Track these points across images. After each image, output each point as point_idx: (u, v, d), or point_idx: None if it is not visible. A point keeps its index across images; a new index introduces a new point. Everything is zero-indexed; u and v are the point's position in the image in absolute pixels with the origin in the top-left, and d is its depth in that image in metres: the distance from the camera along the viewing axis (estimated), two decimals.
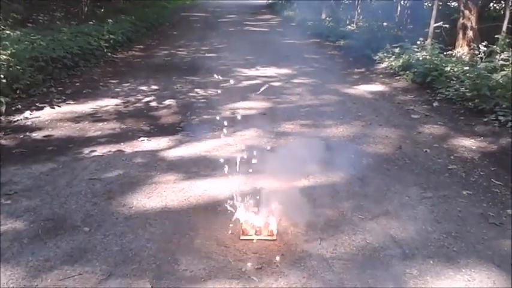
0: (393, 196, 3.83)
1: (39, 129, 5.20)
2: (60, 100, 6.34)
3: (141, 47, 11.56)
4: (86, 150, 4.60)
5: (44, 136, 4.99)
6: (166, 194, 3.74)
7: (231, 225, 3.22)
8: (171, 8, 19.80)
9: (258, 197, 3.29)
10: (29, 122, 5.40)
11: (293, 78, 8.15)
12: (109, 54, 9.91)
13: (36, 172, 4.08)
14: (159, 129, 5.34)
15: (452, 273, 2.82)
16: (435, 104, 6.77)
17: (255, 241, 3.06)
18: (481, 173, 4.35)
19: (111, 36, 10.61)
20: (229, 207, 3.29)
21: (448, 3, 13.45)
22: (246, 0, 28.78)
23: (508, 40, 7.80)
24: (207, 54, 10.40)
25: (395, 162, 4.59)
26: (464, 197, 3.85)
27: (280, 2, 21.23)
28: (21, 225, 3.21)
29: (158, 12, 16.61)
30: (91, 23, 10.99)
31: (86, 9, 12.57)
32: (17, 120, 5.44)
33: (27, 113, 5.65)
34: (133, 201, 3.59)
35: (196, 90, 7.11)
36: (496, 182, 4.16)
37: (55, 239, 3.05)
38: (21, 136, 4.95)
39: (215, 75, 7.42)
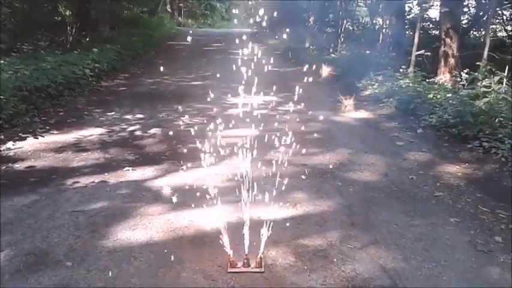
0: (381, 224, 3.81)
1: (22, 160, 5.10)
2: (43, 130, 6.25)
3: (126, 75, 11.55)
4: (69, 181, 4.51)
5: (27, 167, 4.89)
6: (151, 225, 3.67)
7: (218, 257, 3.16)
8: (156, 37, 19.93)
9: (245, 228, 3.24)
10: (11, 153, 5.30)
11: (279, 105, 8.19)
12: (94, 83, 9.85)
13: (18, 204, 3.98)
14: (144, 159, 5.28)
15: None
16: (419, 130, 6.83)
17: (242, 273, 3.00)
18: (468, 200, 4.37)
19: (96, 65, 10.59)
20: (216, 239, 3.23)
21: (429, 32, 13.79)
22: (230, 29, 29.15)
23: (489, 67, 7.97)
24: (192, 83, 10.44)
25: (382, 189, 4.58)
26: (451, 225, 3.85)
27: (265, 30, 21.54)
28: (2, 260, 3.11)
29: (144, 41, 16.67)
30: (76, 52, 10.97)
31: (71, 38, 12.58)
32: None
33: (9, 144, 5.54)
34: (118, 234, 3.51)
35: (181, 118, 7.09)
36: (483, 208, 4.18)
37: (37, 274, 2.96)
38: (3, 167, 4.84)
39: (200, 104, 7.43)
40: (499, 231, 3.77)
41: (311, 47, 16.56)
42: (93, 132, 6.27)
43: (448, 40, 9.66)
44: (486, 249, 3.47)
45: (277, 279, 2.97)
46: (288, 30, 17.07)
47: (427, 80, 8.90)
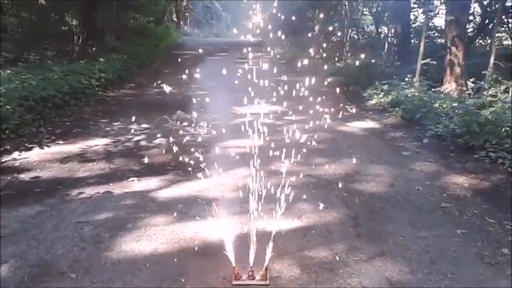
0: (387, 236, 3.78)
1: (28, 170, 5.11)
2: (49, 140, 6.27)
3: (133, 85, 11.59)
4: (74, 192, 4.52)
5: (32, 177, 4.90)
6: (156, 236, 3.65)
7: (223, 269, 3.14)
8: (162, 46, 19.99)
9: (250, 240, 3.22)
10: (17, 163, 5.31)
11: (284, 115, 8.15)
12: (100, 92, 9.90)
13: (23, 215, 3.98)
14: (150, 169, 5.27)
15: None
16: (425, 140, 6.80)
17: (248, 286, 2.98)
18: (474, 211, 4.32)
19: (103, 74, 10.64)
20: (220, 250, 3.21)
21: (435, 40, 13.77)
22: (236, 38, 29.25)
23: (495, 76, 7.93)
24: (198, 92, 10.42)
25: (388, 200, 4.55)
26: (458, 236, 3.81)
27: (270, 39, 21.59)
28: (7, 272, 3.11)
29: (150, 50, 16.73)
30: (82, 61, 11.02)
31: (78, 48, 12.63)
32: (5, 161, 5.35)
33: (15, 154, 5.57)
34: (122, 245, 3.50)
35: (187, 128, 7.09)
36: (490, 220, 4.13)
37: (41, 286, 2.95)
38: (9, 178, 4.86)
39: (206, 113, 7.42)
40: (506, 243, 3.72)
41: (316, 56, 16.56)
42: (98, 143, 6.28)
43: (453, 49, 9.64)
44: (493, 261, 3.43)
45: None
46: (293, 39, 17.12)
47: (433, 89, 8.87)
